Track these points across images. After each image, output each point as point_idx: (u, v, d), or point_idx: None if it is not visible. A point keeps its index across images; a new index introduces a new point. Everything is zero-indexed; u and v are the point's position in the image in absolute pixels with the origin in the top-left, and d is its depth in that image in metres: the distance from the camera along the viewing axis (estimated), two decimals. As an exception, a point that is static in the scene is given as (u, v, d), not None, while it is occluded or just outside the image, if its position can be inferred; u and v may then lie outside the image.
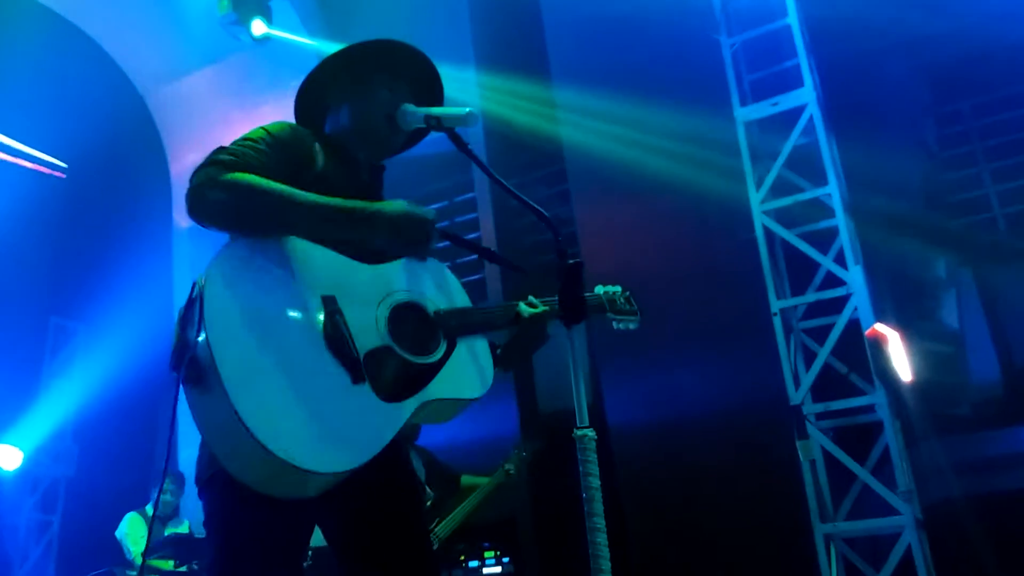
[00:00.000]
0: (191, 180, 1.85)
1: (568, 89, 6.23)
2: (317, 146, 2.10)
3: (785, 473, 4.72)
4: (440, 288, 2.10)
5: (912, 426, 4.66)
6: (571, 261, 1.87)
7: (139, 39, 8.02)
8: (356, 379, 1.80)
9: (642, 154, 5.52)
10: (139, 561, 5.58)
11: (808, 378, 4.76)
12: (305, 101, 2.30)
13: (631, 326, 2.53)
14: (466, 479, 4.90)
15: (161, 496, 5.85)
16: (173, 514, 6.00)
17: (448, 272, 2.16)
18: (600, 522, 1.71)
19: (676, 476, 5.24)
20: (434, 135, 2.30)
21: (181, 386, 1.73)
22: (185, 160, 8.37)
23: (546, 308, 2.20)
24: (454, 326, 2.04)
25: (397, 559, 1.97)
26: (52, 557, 7.41)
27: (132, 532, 5.76)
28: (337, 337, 1.80)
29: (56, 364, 7.71)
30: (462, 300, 2.14)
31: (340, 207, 1.88)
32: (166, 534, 5.78)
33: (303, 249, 1.90)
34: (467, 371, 2.04)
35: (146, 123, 8.60)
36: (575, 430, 1.77)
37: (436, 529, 4.67)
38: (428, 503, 4.71)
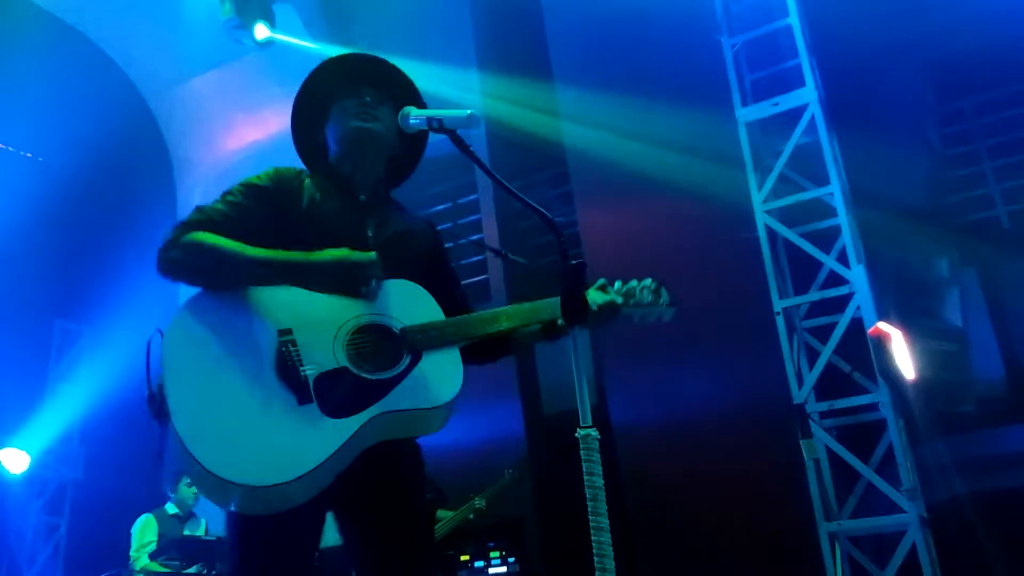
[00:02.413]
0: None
1: (570, 91, 6.24)
2: (306, 183, 2.29)
3: (789, 472, 4.72)
4: (409, 306, 2.19)
5: (916, 424, 4.67)
6: (573, 262, 1.88)
7: (143, 44, 8.05)
8: (302, 400, 1.99)
9: (644, 155, 5.53)
10: (136, 560, 5.58)
11: (811, 377, 4.77)
12: (300, 142, 2.46)
13: (665, 318, 2.48)
14: (440, 512, 4.93)
15: (177, 496, 5.86)
16: (189, 515, 5.98)
17: (418, 290, 2.23)
18: (604, 521, 1.72)
19: (680, 475, 5.24)
20: (438, 136, 2.32)
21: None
22: (190, 163, 8.40)
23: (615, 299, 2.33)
24: (418, 340, 2.13)
25: (394, 554, 2.11)
26: (60, 560, 7.44)
27: (138, 534, 5.77)
28: (286, 364, 2.02)
29: (62, 367, 7.75)
30: (431, 315, 2.20)
31: (275, 261, 2.08)
32: (185, 534, 5.77)
33: (268, 290, 2.14)
34: (429, 382, 2.11)
35: (150, 127, 8.63)
36: (578, 430, 1.78)
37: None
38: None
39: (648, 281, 2.49)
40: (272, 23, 6.82)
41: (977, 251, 5.43)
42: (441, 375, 2.12)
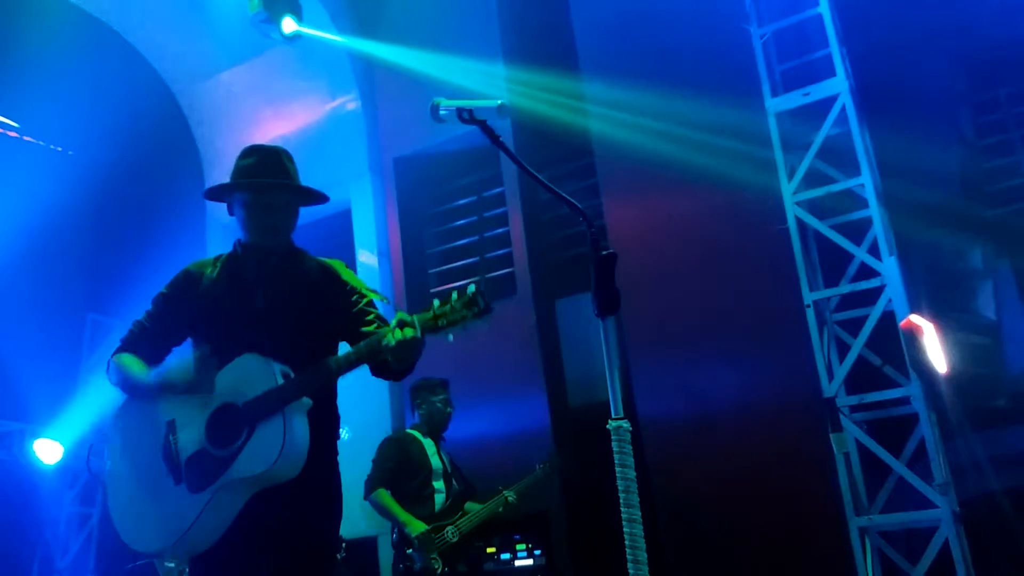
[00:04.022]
0: None
1: (597, 82, 6.20)
2: (207, 272, 2.80)
3: (819, 466, 4.69)
4: (251, 380, 2.51)
5: (948, 419, 4.60)
6: (604, 252, 1.87)
7: (171, 38, 8.11)
8: (177, 480, 2.53)
9: (672, 146, 5.48)
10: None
11: (842, 370, 4.73)
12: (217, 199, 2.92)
13: (481, 327, 2.35)
14: (469, 505, 4.94)
15: None
16: None
17: (260, 361, 2.53)
18: (636, 513, 1.72)
19: (708, 469, 5.21)
20: (462, 129, 2.30)
21: None
22: (216, 156, 8.46)
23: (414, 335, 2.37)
24: (253, 412, 2.47)
25: None
26: (92, 549, 7.54)
27: None
28: (166, 452, 2.58)
29: (94, 359, 7.84)
30: (266, 384, 2.49)
31: (136, 384, 2.70)
32: None
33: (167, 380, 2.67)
34: (259, 449, 2.44)
35: (178, 121, 8.69)
36: (610, 421, 1.77)
37: (459, 523, 4.73)
38: (448, 500, 4.78)
39: (471, 288, 2.36)
40: (299, 17, 6.83)
41: (1011, 242, 5.34)
42: (265, 443, 2.43)
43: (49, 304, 7.36)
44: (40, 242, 7.20)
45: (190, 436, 2.55)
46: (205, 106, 8.46)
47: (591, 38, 6.43)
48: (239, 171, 2.75)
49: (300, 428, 2.44)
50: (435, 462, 4.89)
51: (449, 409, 5.09)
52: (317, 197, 2.81)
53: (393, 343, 2.34)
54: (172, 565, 5.36)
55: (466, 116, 2.13)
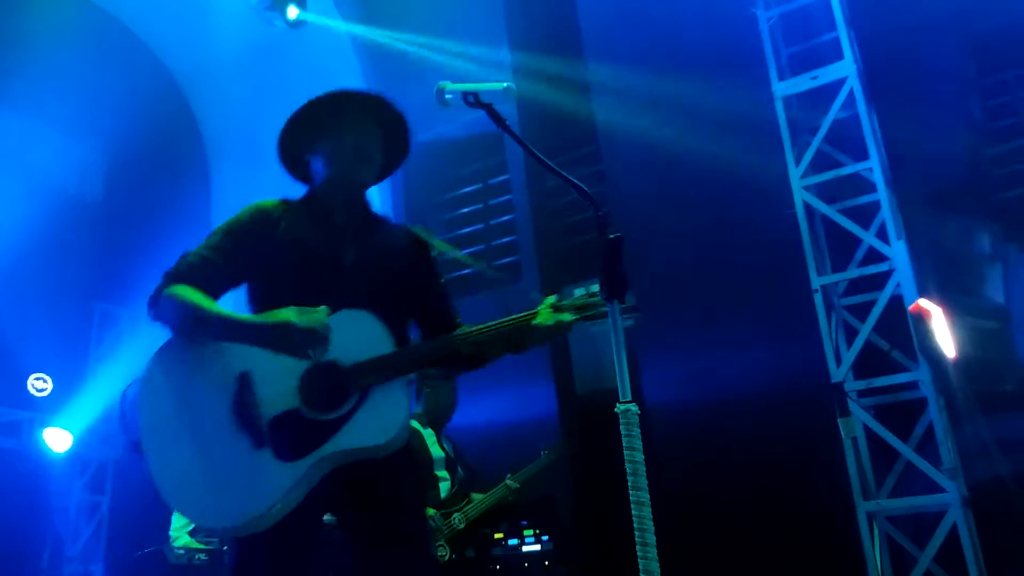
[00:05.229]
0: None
1: (602, 67, 6.18)
2: (284, 213, 2.38)
3: (827, 451, 4.68)
4: (360, 341, 2.22)
5: (956, 403, 4.59)
6: (611, 236, 1.86)
7: (176, 28, 8.10)
8: (257, 444, 2.14)
9: (678, 131, 5.46)
10: (176, 539, 5.67)
11: (850, 355, 4.71)
12: (286, 158, 2.51)
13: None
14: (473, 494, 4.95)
15: None
16: None
17: (370, 322, 2.25)
18: (645, 496, 1.72)
19: (716, 454, 5.21)
20: (468, 115, 2.30)
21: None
22: (223, 147, 8.46)
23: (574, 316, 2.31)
24: (365, 377, 2.19)
25: (382, 558, 2.23)
26: (102, 537, 7.60)
27: (176, 517, 5.85)
28: (240, 409, 2.17)
29: (102, 349, 7.89)
30: (381, 348, 2.23)
31: (228, 323, 2.18)
32: None
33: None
34: (373, 420, 2.17)
35: (184, 111, 8.70)
36: (618, 404, 1.77)
37: (466, 510, 4.74)
38: (454, 487, 4.79)
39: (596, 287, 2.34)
40: (303, 4, 6.83)
41: (1020, 226, 5.31)
42: (383, 414, 2.17)
43: (57, 293, 7.40)
44: (49, 232, 7.23)
45: (276, 392, 2.18)
46: (210, 95, 8.46)
47: (596, 23, 6.40)
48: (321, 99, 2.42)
49: (409, 402, 2.23)
50: (435, 451, 4.88)
51: (454, 401, 5.08)
52: (405, 147, 2.51)
53: (551, 323, 2.25)
54: (182, 552, 5.39)
55: (472, 100, 2.11)
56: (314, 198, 2.45)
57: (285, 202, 2.43)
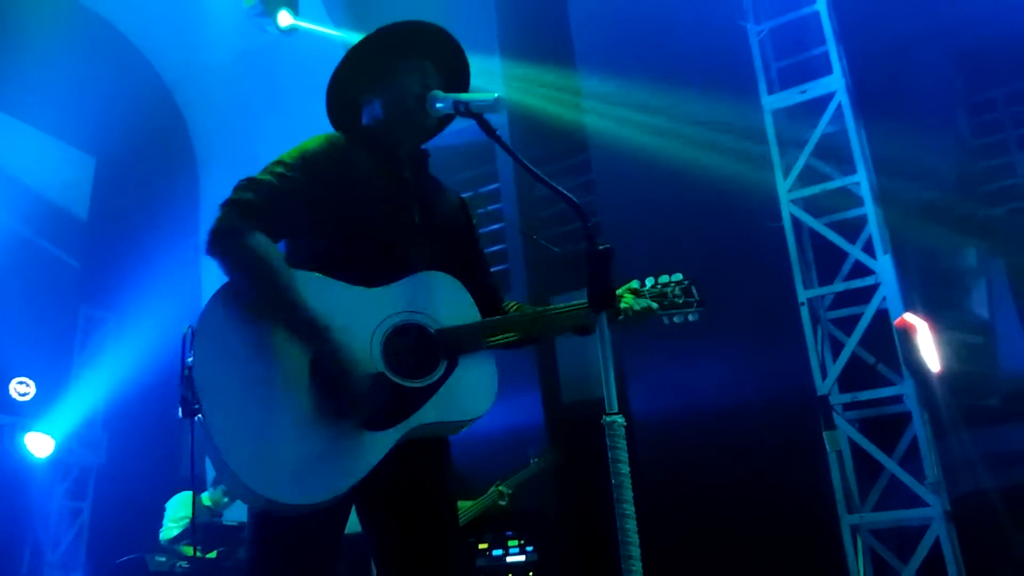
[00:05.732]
0: (217, 215, 1.99)
1: (593, 78, 6.19)
2: (355, 151, 2.16)
3: (811, 464, 4.68)
4: (448, 304, 2.06)
5: (941, 417, 4.61)
6: (600, 247, 1.85)
7: (167, 32, 8.08)
8: (341, 411, 1.90)
9: (668, 143, 5.48)
10: (168, 529, 5.63)
11: (835, 368, 4.72)
12: (336, 98, 2.32)
13: (691, 317, 2.34)
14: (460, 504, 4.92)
15: (212, 496, 5.86)
16: (217, 515, 5.96)
17: (456, 287, 2.12)
18: (630, 508, 1.71)
19: (701, 466, 5.21)
20: (459, 124, 2.29)
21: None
22: (212, 151, 8.43)
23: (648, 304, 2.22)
24: (456, 344, 2.02)
25: (417, 545, 2.05)
26: (83, 543, 7.53)
27: (174, 509, 5.80)
28: (320, 371, 1.90)
29: (86, 353, 7.82)
30: (471, 315, 2.09)
31: (295, 309, 1.90)
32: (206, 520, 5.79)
33: (301, 279, 1.95)
34: (465, 391, 2.02)
35: (174, 115, 8.67)
36: (604, 416, 1.76)
37: None
38: None
39: (679, 276, 2.35)
40: (295, 11, 6.82)
41: (1005, 242, 5.34)
42: (476, 386, 2.04)
43: (42, 297, 7.34)
44: (33, 236, 7.18)
45: (357, 353, 1.93)
46: (200, 100, 8.43)
47: (588, 34, 6.42)
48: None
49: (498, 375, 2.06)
50: None
51: None
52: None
53: (638, 309, 2.16)
54: (163, 559, 5.35)
55: (462, 109, 2.10)
56: (381, 142, 2.23)
57: (351, 140, 2.20)
